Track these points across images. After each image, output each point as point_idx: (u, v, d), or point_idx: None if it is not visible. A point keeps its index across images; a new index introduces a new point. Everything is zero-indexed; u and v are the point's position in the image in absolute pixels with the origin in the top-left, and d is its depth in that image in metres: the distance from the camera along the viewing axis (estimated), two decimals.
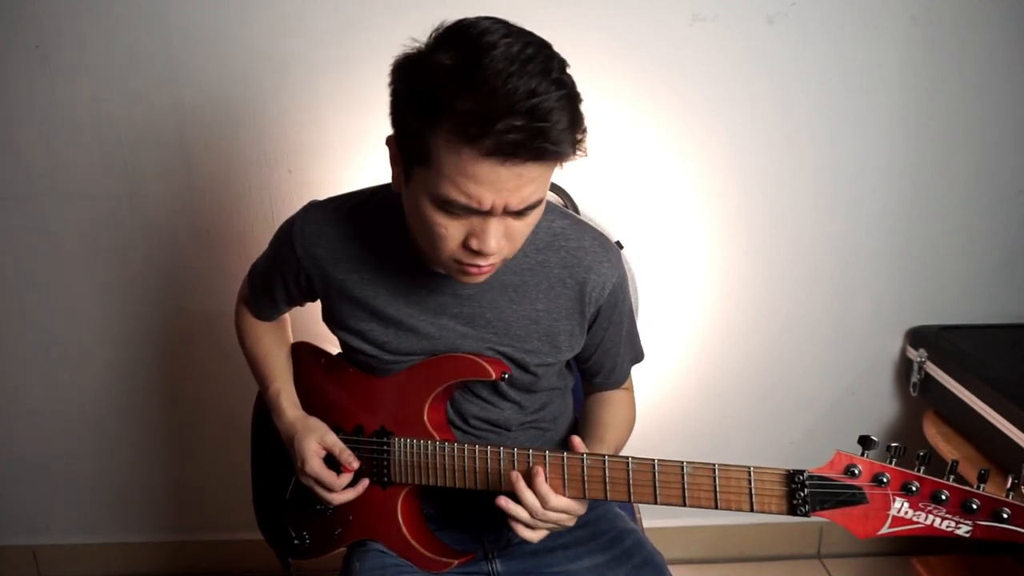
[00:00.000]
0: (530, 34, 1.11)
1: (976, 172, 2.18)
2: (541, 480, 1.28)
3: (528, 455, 1.31)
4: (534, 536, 1.30)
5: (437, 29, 1.12)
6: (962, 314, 2.28)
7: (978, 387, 1.98)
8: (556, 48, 1.12)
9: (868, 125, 2.14)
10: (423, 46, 1.12)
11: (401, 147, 1.17)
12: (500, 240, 1.15)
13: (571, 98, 1.08)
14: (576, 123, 1.10)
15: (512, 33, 1.08)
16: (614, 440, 1.47)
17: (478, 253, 1.15)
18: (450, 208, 1.12)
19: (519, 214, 1.14)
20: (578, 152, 1.14)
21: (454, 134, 1.05)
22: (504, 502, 1.28)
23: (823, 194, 2.19)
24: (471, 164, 1.06)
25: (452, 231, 1.15)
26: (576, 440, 1.30)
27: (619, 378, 1.55)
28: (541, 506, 1.27)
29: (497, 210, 1.11)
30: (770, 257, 2.24)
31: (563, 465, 1.29)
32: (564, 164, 1.14)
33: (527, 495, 1.27)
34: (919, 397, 2.25)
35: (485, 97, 1.03)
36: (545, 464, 1.30)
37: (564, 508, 1.29)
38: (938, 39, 2.08)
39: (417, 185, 1.15)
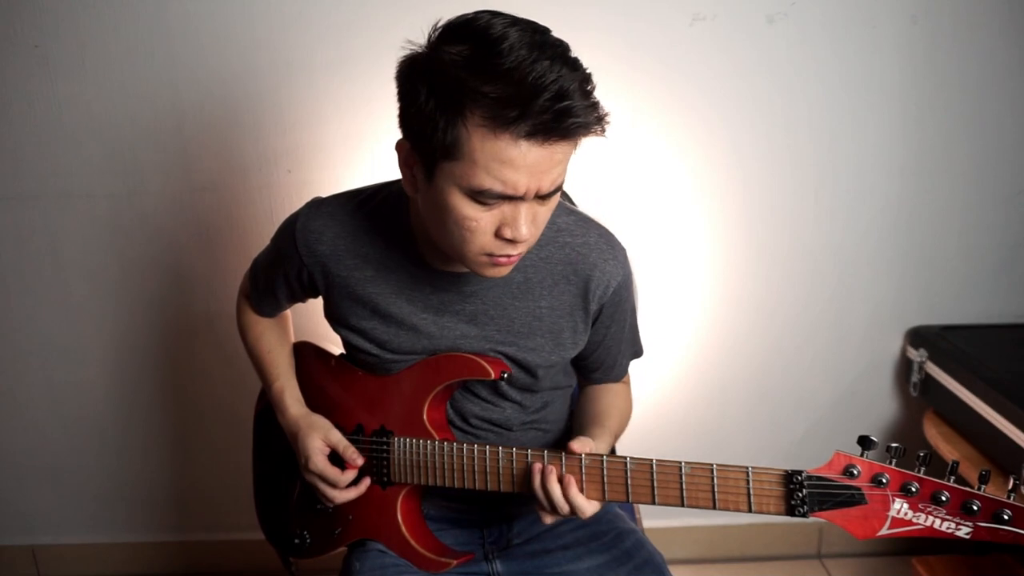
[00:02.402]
0: (530, 21, 1.12)
1: (976, 172, 2.18)
2: (575, 491, 1.27)
3: (527, 455, 1.31)
4: (549, 520, 1.31)
5: (435, 29, 1.13)
6: (962, 314, 2.28)
7: (978, 387, 1.98)
8: None
9: (868, 125, 2.14)
10: (426, 46, 1.13)
11: (420, 147, 1.16)
12: (531, 226, 1.16)
13: (586, 79, 1.11)
14: (594, 102, 1.11)
15: (516, 22, 1.10)
16: (614, 426, 1.46)
17: (511, 241, 1.16)
18: (484, 198, 1.12)
19: (544, 198, 1.15)
20: (600, 129, 1.15)
21: (489, 120, 1.06)
22: (535, 473, 1.29)
23: (823, 194, 2.19)
24: (508, 148, 1.07)
25: (484, 223, 1.15)
26: (573, 443, 1.30)
27: (618, 374, 1.55)
28: (569, 511, 1.27)
29: (529, 194, 1.12)
30: (770, 257, 2.24)
31: (562, 465, 1.29)
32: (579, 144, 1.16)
33: (555, 491, 1.27)
34: (919, 397, 2.26)
35: (516, 81, 1.04)
36: (543, 463, 1.30)
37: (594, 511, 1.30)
38: (938, 39, 2.08)
39: (445, 181, 1.14)
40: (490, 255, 1.19)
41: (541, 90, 1.04)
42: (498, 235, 1.16)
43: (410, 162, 1.20)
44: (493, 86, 1.05)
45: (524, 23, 1.10)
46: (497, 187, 1.10)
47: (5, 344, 2.34)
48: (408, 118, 1.16)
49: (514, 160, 1.08)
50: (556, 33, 1.14)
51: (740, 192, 2.19)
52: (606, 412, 1.49)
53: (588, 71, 1.13)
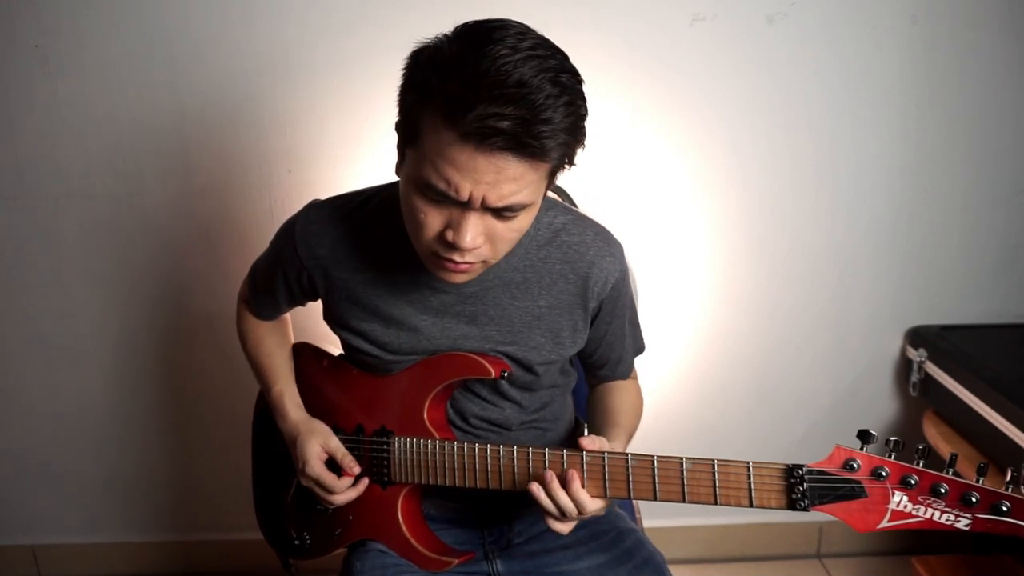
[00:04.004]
0: (550, 42, 1.11)
1: (976, 172, 2.18)
2: (577, 486, 1.26)
3: (528, 453, 1.31)
4: (564, 528, 1.29)
5: (465, 24, 1.13)
6: (962, 314, 2.28)
7: (978, 387, 1.98)
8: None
9: (868, 125, 2.14)
10: (438, 37, 1.13)
11: (398, 130, 1.18)
12: (478, 237, 1.14)
13: (570, 105, 1.08)
14: (570, 131, 1.09)
15: (528, 34, 1.09)
16: (627, 424, 1.46)
17: (453, 247, 1.15)
18: (429, 193, 1.12)
19: (500, 214, 1.13)
20: (566, 162, 1.14)
21: (439, 114, 1.06)
22: (536, 490, 1.27)
23: (823, 194, 2.19)
24: (450, 147, 1.06)
25: (431, 219, 1.15)
26: (584, 440, 1.30)
27: (623, 371, 1.55)
28: (577, 511, 1.27)
29: (475, 202, 1.10)
30: (770, 257, 2.24)
31: (562, 462, 1.29)
32: (552, 172, 1.15)
33: (562, 497, 1.26)
34: (919, 397, 2.26)
35: (473, 80, 1.03)
36: (545, 461, 1.30)
37: (599, 508, 1.29)
38: (938, 39, 2.08)
39: (406, 168, 1.16)
40: (437, 255, 1.19)
41: (495, 95, 1.02)
42: (443, 237, 1.15)
43: (398, 147, 1.21)
44: (453, 83, 1.04)
45: (536, 37, 1.09)
46: (440, 184, 1.09)
47: (5, 344, 2.34)
48: (398, 100, 1.17)
49: (456, 160, 1.07)
50: (556, 33, 1.13)
51: (740, 192, 2.19)
52: (618, 410, 1.49)
53: (582, 104, 1.11)
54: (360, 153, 2.12)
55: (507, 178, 1.08)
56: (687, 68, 2.09)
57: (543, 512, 1.28)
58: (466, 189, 1.08)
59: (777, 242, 2.23)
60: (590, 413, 1.56)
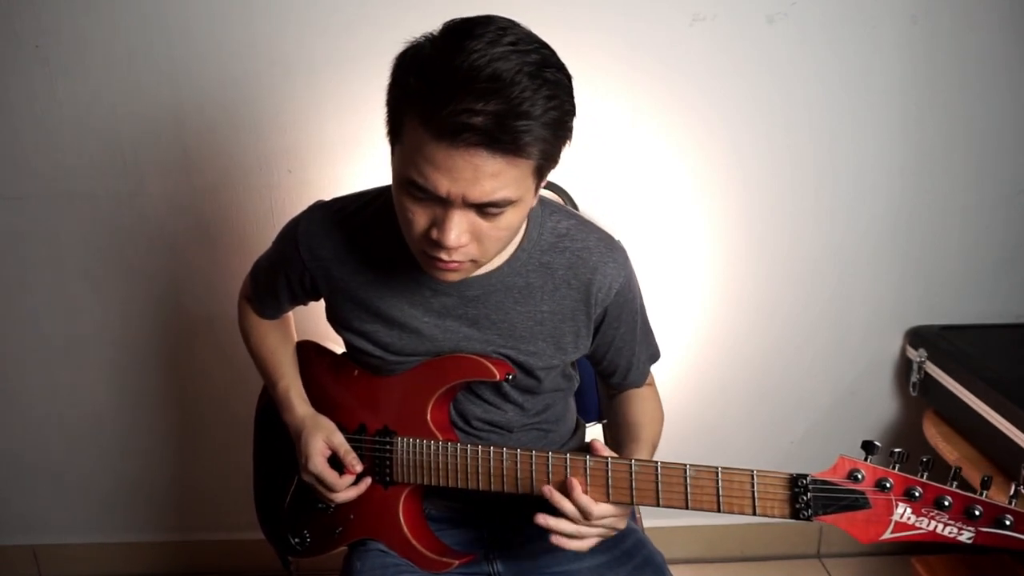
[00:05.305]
0: (535, 37, 1.10)
1: (976, 172, 2.18)
2: (579, 492, 1.26)
3: (531, 456, 1.32)
4: (583, 545, 1.29)
5: (450, 21, 1.12)
6: (962, 314, 2.28)
7: (978, 387, 1.98)
8: (557, 50, 1.11)
9: (868, 125, 2.14)
10: (430, 34, 1.12)
11: (388, 128, 1.17)
12: (462, 236, 1.14)
13: (551, 99, 1.06)
14: (550, 127, 1.08)
15: (511, 29, 1.08)
16: (649, 437, 1.46)
17: (440, 245, 1.14)
18: (413, 191, 1.12)
19: (483, 211, 1.12)
20: (548, 161, 1.13)
21: (416, 112, 1.06)
22: (543, 519, 1.26)
23: (823, 194, 2.19)
24: (427, 145, 1.06)
25: (418, 217, 1.15)
26: (597, 444, 1.30)
27: (636, 378, 1.54)
28: (584, 519, 1.26)
29: (455, 200, 1.09)
30: (770, 257, 2.24)
31: (566, 468, 1.29)
32: (539, 170, 1.13)
33: (566, 505, 1.26)
34: (919, 397, 2.26)
35: (447, 76, 1.03)
36: (548, 465, 1.30)
37: (609, 513, 1.28)
38: (938, 39, 2.07)
39: (394, 166, 1.17)
40: (426, 254, 1.19)
41: (468, 91, 1.02)
42: (429, 235, 1.15)
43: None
44: (430, 80, 1.04)
45: (519, 32, 1.08)
46: (420, 180, 1.09)
47: (5, 344, 2.34)
48: (386, 100, 1.16)
49: (432, 157, 1.06)
50: (556, 33, 1.12)
51: (740, 192, 2.19)
52: (638, 423, 1.49)
53: (568, 100, 1.10)
54: (360, 153, 2.12)
55: (485, 175, 1.07)
56: (687, 68, 2.08)
57: (557, 535, 1.27)
58: (444, 186, 1.08)
59: (777, 242, 2.23)
60: (611, 426, 1.56)
